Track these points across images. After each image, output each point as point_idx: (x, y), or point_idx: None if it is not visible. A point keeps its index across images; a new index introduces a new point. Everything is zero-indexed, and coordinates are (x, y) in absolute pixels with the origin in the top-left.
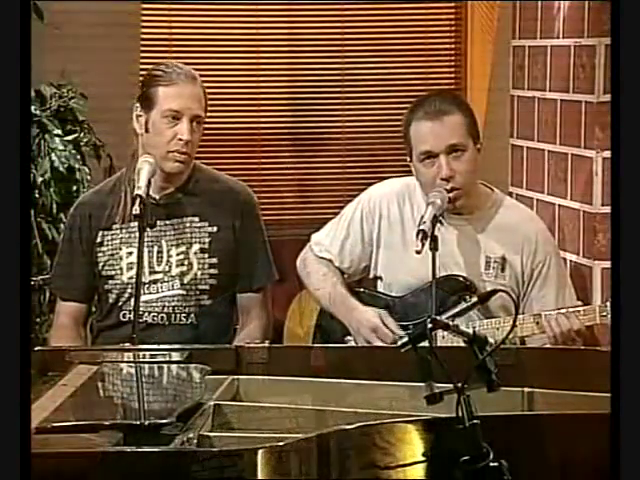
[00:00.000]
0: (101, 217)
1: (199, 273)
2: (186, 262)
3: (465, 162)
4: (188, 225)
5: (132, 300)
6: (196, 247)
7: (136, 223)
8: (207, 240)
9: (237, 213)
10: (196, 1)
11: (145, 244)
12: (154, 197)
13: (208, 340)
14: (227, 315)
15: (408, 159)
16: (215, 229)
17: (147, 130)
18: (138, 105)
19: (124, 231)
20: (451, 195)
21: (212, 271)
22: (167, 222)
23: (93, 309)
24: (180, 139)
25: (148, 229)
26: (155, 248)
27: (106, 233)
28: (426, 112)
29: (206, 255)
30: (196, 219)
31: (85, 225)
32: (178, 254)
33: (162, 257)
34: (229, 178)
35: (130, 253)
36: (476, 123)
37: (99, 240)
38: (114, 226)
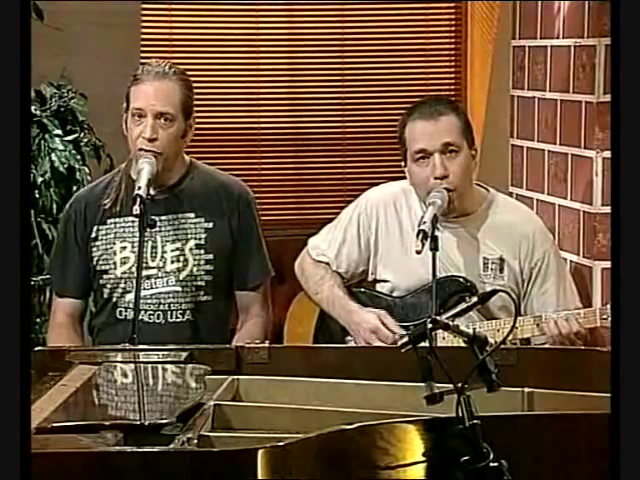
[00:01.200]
0: (96, 212)
1: (195, 269)
2: (182, 258)
3: (459, 164)
4: (184, 221)
5: (126, 296)
6: (192, 243)
7: (130, 218)
8: (203, 236)
9: (233, 209)
10: (196, 1)
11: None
12: (150, 193)
13: (205, 337)
14: (223, 312)
15: (403, 164)
16: (211, 225)
17: (127, 130)
18: (124, 107)
19: (118, 226)
20: (450, 195)
21: (208, 267)
22: (162, 218)
23: (92, 306)
24: (143, 137)
25: (137, 223)
26: (149, 243)
27: (101, 228)
28: (421, 113)
29: (202, 251)
30: (192, 215)
31: (80, 221)
32: (173, 250)
33: (156, 253)
34: (225, 174)
35: (124, 248)
36: (471, 128)
37: (94, 235)
38: (108, 221)
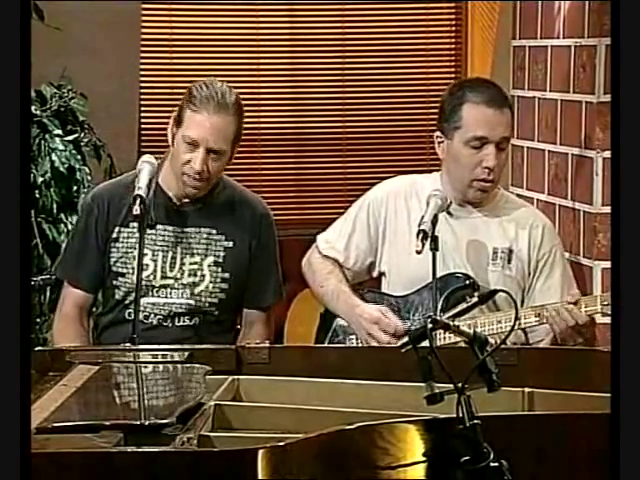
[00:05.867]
0: (118, 213)
1: (211, 286)
2: (199, 273)
3: (504, 158)
4: (205, 236)
5: (140, 300)
6: (210, 259)
7: (153, 227)
8: (222, 254)
9: (255, 231)
10: (196, 1)
11: (160, 248)
12: (175, 202)
13: (210, 341)
14: (229, 326)
15: (438, 133)
16: (231, 244)
17: (173, 145)
18: (174, 118)
19: None
20: (487, 186)
21: (223, 285)
22: (185, 230)
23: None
24: (192, 167)
25: (160, 231)
26: (170, 254)
27: (122, 230)
28: (487, 99)
29: (219, 269)
30: (214, 231)
31: (102, 218)
32: (191, 264)
33: (175, 264)
34: (250, 193)
35: (144, 254)
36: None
37: (115, 236)
38: (131, 224)
